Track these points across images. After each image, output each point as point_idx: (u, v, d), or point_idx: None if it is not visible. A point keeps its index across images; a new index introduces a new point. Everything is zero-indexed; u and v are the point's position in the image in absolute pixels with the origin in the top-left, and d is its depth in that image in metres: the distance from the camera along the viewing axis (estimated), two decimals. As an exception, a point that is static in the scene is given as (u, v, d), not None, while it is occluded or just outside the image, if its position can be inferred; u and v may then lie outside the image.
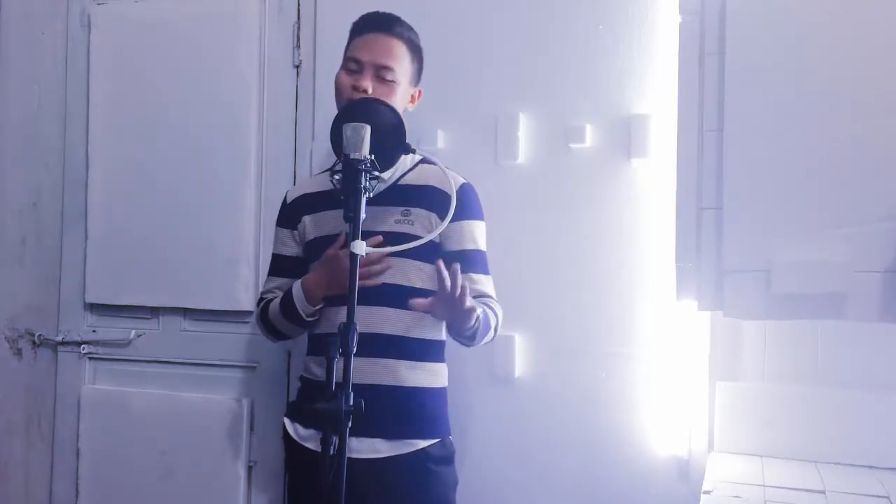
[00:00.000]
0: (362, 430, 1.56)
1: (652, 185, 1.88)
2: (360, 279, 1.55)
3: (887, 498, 1.52)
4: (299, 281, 1.67)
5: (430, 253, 1.63)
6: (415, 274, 1.64)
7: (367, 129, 1.35)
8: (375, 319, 1.61)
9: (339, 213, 1.44)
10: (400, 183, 1.69)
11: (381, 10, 1.72)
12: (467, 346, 1.66)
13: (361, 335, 1.54)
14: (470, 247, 1.69)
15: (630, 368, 1.89)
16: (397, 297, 1.60)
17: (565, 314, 1.93)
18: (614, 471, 1.89)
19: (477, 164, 1.95)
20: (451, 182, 1.54)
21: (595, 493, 1.90)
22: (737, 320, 1.77)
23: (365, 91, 1.63)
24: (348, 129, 1.35)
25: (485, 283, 1.70)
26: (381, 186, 1.67)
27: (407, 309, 1.57)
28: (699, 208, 1.71)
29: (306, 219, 1.74)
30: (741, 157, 1.66)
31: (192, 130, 2.24)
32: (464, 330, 1.57)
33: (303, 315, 1.65)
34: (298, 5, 2.20)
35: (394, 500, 1.62)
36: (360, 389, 1.56)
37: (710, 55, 1.71)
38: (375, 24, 1.68)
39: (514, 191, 1.96)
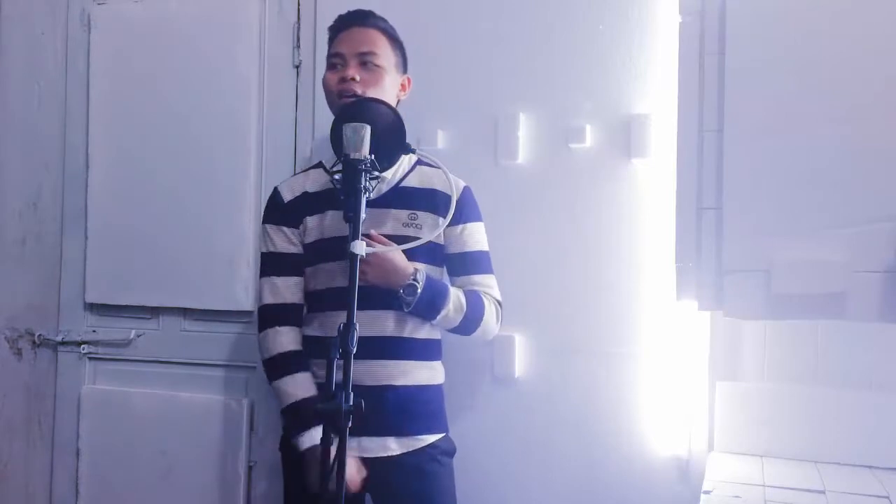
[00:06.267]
0: (374, 430, 1.60)
1: (652, 185, 1.88)
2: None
3: (887, 498, 1.52)
4: (305, 438, 1.58)
5: (435, 256, 1.68)
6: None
7: (367, 129, 1.35)
8: (379, 323, 1.62)
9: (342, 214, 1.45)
10: (403, 185, 1.69)
11: (376, 10, 1.73)
12: (435, 322, 1.66)
13: (367, 338, 1.55)
14: (475, 248, 1.72)
15: (630, 368, 1.89)
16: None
17: (565, 314, 1.93)
18: (614, 471, 1.89)
19: (477, 164, 1.95)
20: (453, 185, 1.57)
21: (595, 493, 1.90)
22: (737, 320, 1.77)
23: (353, 79, 1.63)
24: (348, 129, 1.35)
25: (489, 282, 1.73)
26: (384, 188, 1.67)
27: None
28: (699, 208, 1.71)
29: (308, 220, 1.68)
30: (741, 157, 1.66)
31: (192, 130, 2.24)
32: (405, 297, 1.56)
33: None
34: (298, 5, 2.20)
35: (408, 496, 1.63)
36: (371, 391, 1.57)
37: (710, 55, 1.70)
38: (351, 20, 1.70)
39: (514, 191, 1.96)
